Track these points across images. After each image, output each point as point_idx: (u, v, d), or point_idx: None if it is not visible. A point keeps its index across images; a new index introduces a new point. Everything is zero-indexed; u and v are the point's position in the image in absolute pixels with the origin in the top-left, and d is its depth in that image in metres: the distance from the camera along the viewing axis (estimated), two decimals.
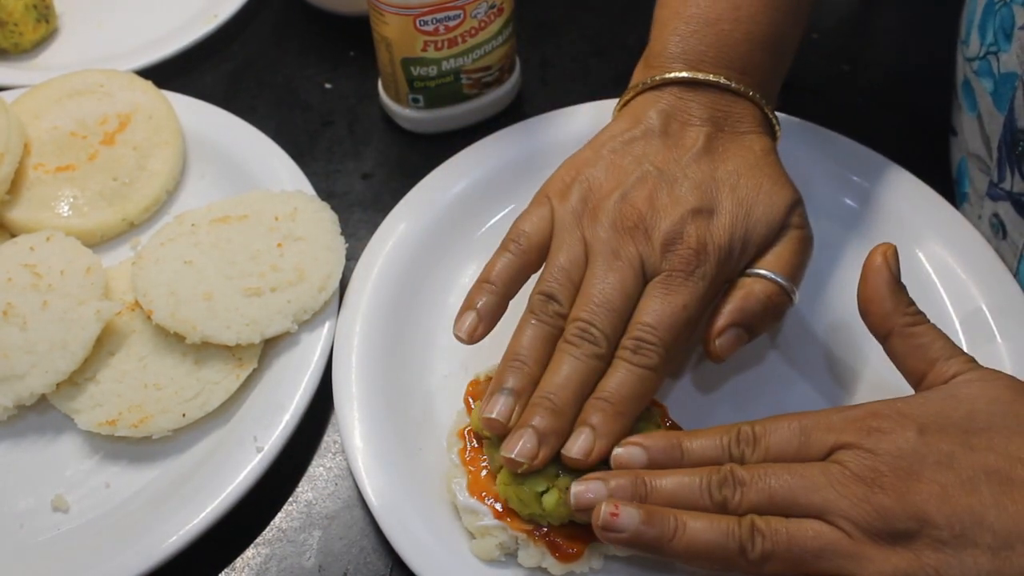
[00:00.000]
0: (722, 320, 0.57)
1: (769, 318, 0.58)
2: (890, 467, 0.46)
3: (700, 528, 0.47)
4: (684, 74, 0.61)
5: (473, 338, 0.57)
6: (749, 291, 0.57)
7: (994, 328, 0.63)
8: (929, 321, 0.53)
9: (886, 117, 0.80)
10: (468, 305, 0.58)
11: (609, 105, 0.75)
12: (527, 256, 0.59)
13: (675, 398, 0.62)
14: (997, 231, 0.66)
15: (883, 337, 0.53)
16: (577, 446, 0.52)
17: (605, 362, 0.54)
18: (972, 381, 0.50)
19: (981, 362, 0.62)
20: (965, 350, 0.63)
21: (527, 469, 0.52)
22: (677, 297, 0.55)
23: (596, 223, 0.58)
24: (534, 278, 0.59)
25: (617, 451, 0.52)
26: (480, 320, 0.57)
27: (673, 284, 0.56)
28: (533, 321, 0.56)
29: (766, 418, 0.51)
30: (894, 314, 0.52)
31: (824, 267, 0.68)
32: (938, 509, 0.45)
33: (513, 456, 0.52)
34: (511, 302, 0.59)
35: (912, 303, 0.53)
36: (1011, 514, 0.45)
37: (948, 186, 0.73)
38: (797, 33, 0.66)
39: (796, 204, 0.60)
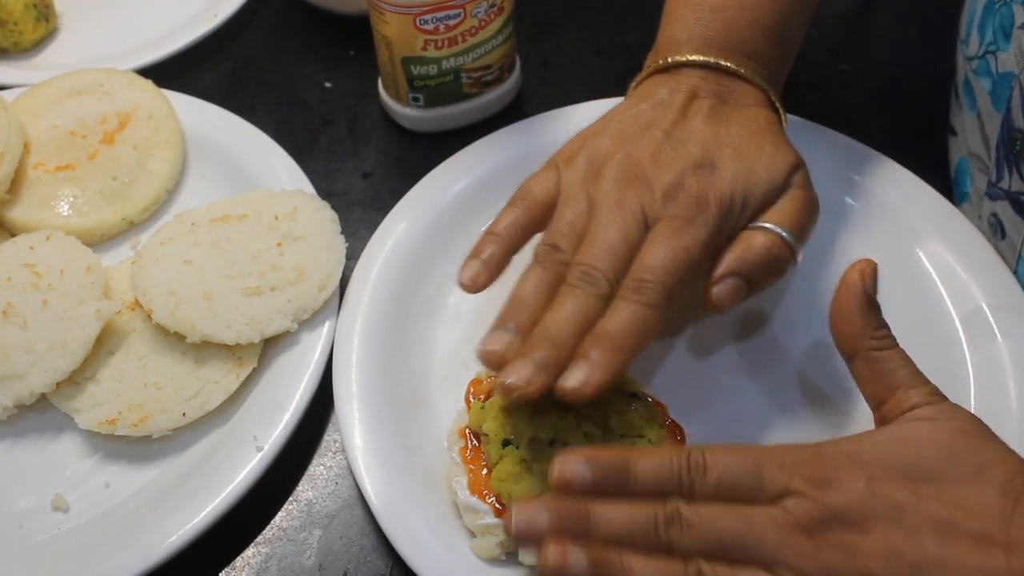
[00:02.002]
0: (721, 268, 0.57)
1: (770, 270, 0.58)
2: (838, 520, 0.46)
3: (647, 574, 0.45)
4: (690, 56, 0.62)
5: (476, 285, 0.58)
6: (750, 242, 0.57)
7: (994, 327, 0.63)
8: (897, 345, 0.51)
9: (886, 116, 0.80)
10: (474, 255, 0.58)
11: (609, 104, 0.76)
12: (532, 212, 0.59)
13: (677, 401, 0.62)
14: (996, 231, 0.66)
15: (848, 357, 0.52)
16: (573, 377, 0.51)
17: (606, 303, 0.54)
18: (923, 420, 0.48)
19: (981, 362, 0.62)
20: (965, 349, 0.63)
21: (520, 394, 0.51)
22: (678, 240, 0.55)
23: (600, 179, 0.58)
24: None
25: (559, 467, 0.47)
26: (484, 268, 0.58)
27: (674, 228, 0.56)
28: (537, 267, 0.57)
29: (718, 446, 0.48)
30: (861, 336, 0.51)
31: (823, 266, 0.68)
32: (883, 567, 0.44)
33: (507, 380, 0.51)
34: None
35: (883, 326, 0.51)
36: (950, 568, 0.44)
37: (948, 185, 0.73)
38: (803, 22, 0.67)
39: (798, 166, 0.60)
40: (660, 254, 0.55)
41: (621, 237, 0.56)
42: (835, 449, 0.48)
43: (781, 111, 0.64)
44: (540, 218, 0.59)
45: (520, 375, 0.51)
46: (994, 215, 0.66)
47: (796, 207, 0.59)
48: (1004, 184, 0.64)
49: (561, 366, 0.52)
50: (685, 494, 0.47)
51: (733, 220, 0.58)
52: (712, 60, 0.62)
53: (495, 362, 0.53)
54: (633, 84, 0.66)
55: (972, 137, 0.69)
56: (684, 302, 0.60)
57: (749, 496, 0.47)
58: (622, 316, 0.53)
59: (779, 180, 0.59)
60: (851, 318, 0.51)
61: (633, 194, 0.57)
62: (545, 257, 0.57)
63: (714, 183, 0.57)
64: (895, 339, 0.51)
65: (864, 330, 0.51)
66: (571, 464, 0.48)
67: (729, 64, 0.62)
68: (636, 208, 0.57)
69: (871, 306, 0.51)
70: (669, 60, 0.63)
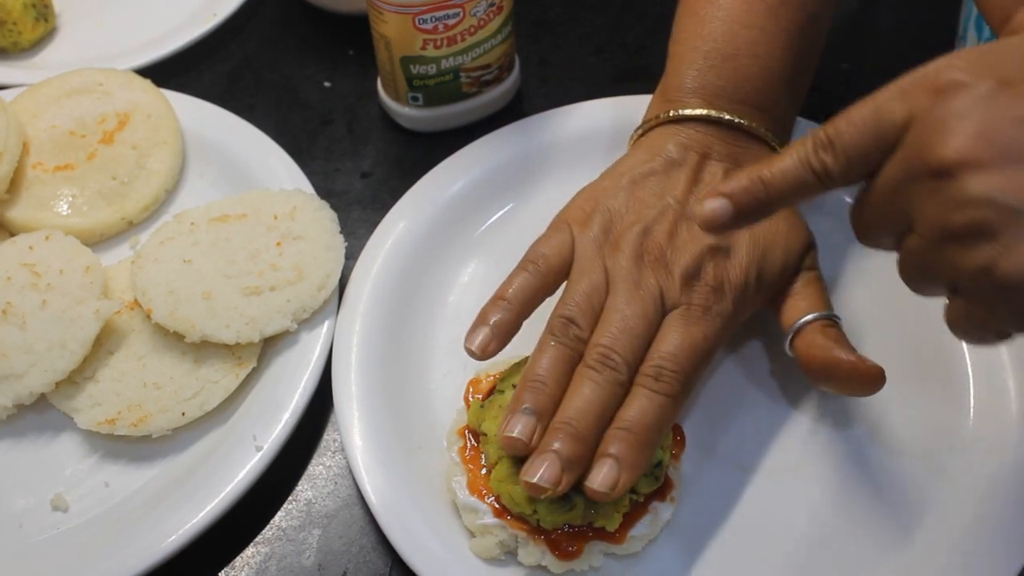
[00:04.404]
0: (812, 378, 0.58)
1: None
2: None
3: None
4: (702, 111, 0.62)
5: (485, 353, 0.56)
6: (811, 343, 0.57)
7: None
8: None
9: None
10: (482, 320, 0.57)
11: (607, 103, 0.76)
12: (545, 278, 0.58)
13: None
14: None
15: None
16: (601, 478, 0.51)
17: (625, 389, 0.54)
18: None
19: (981, 362, 0.62)
20: (965, 350, 0.63)
21: (551, 495, 0.52)
22: (696, 329, 0.56)
23: (618, 253, 0.58)
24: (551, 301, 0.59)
25: (706, 212, 0.47)
26: (493, 336, 0.56)
27: (692, 317, 0.56)
28: (553, 343, 0.55)
29: (835, 118, 0.46)
30: None
31: (823, 266, 0.68)
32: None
33: (536, 481, 0.51)
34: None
35: None
36: None
37: None
38: (811, 68, 0.66)
39: (809, 247, 0.61)
40: (679, 342, 0.55)
41: (641, 320, 0.55)
42: (961, 60, 0.43)
43: None
44: (551, 283, 0.59)
45: (548, 477, 0.51)
46: None
47: (819, 288, 0.60)
48: None
49: (585, 460, 0.52)
50: (825, 184, 0.46)
51: (747, 303, 0.59)
52: (725, 117, 0.61)
53: (520, 450, 0.53)
54: (639, 131, 0.65)
55: None
56: (697, 389, 0.60)
57: (885, 150, 0.45)
58: (643, 408, 0.53)
59: (792, 264, 0.60)
60: None
61: (652, 276, 0.57)
62: (561, 332, 0.56)
63: (729, 271, 0.58)
64: None
65: None
66: (712, 206, 0.47)
67: (742, 121, 0.61)
68: (655, 291, 0.56)
69: None
70: (680, 113, 0.62)
